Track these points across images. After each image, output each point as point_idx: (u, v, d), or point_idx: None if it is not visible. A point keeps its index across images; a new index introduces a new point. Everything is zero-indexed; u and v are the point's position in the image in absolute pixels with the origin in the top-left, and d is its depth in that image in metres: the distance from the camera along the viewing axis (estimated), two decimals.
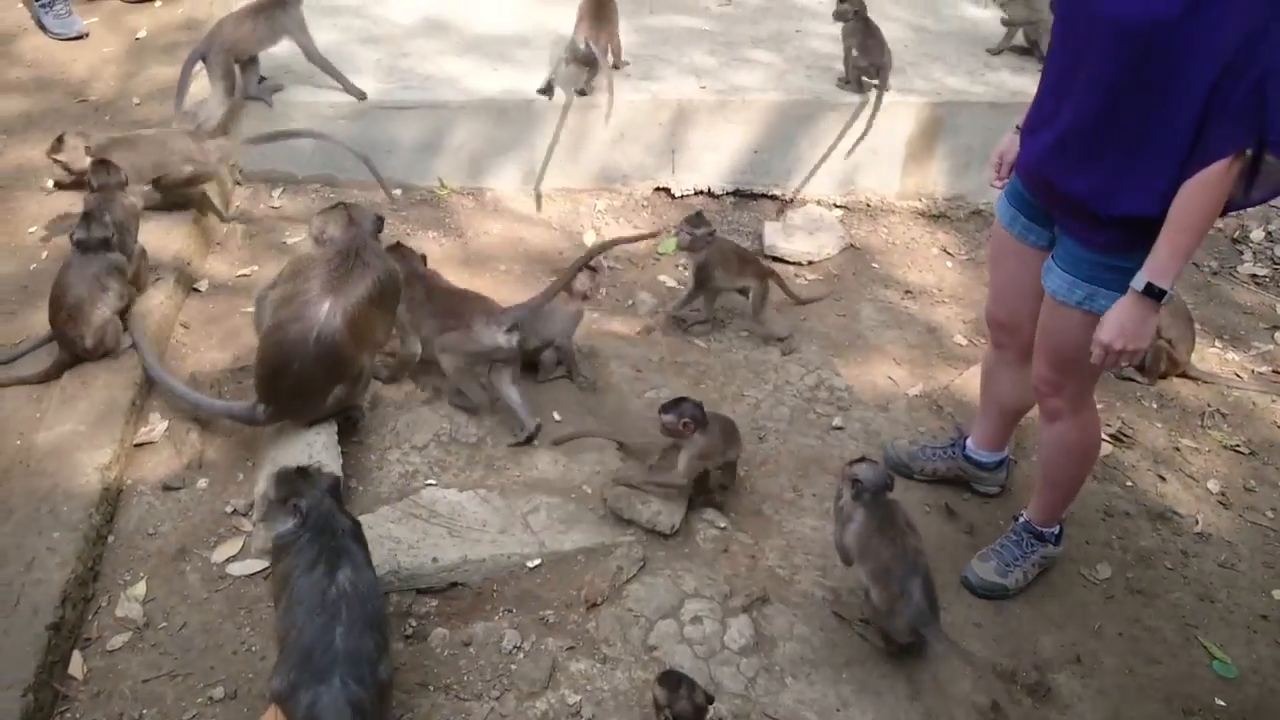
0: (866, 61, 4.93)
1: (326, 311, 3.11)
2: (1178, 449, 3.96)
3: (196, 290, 4.08)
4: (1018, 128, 2.99)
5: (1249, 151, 2.38)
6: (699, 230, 4.06)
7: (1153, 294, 2.52)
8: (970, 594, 3.24)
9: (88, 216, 3.53)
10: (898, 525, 2.94)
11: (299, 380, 3.15)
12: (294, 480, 2.66)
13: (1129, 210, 2.55)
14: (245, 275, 4.18)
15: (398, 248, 3.75)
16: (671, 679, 2.48)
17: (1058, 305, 2.81)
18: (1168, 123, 2.44)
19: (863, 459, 3.06)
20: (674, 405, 3.22)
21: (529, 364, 3.79)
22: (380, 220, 3.55)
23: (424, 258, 3.79)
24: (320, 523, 2.61)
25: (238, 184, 4.77)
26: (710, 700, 2.49)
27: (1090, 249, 2.69)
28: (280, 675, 2.45)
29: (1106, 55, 2.50)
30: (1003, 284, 3.19)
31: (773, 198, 5.17)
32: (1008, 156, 3.06)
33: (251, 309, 3.60)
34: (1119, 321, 2.58)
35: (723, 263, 4.15)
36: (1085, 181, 2.63)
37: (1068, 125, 2.65)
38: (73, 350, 3.45)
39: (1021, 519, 3.32)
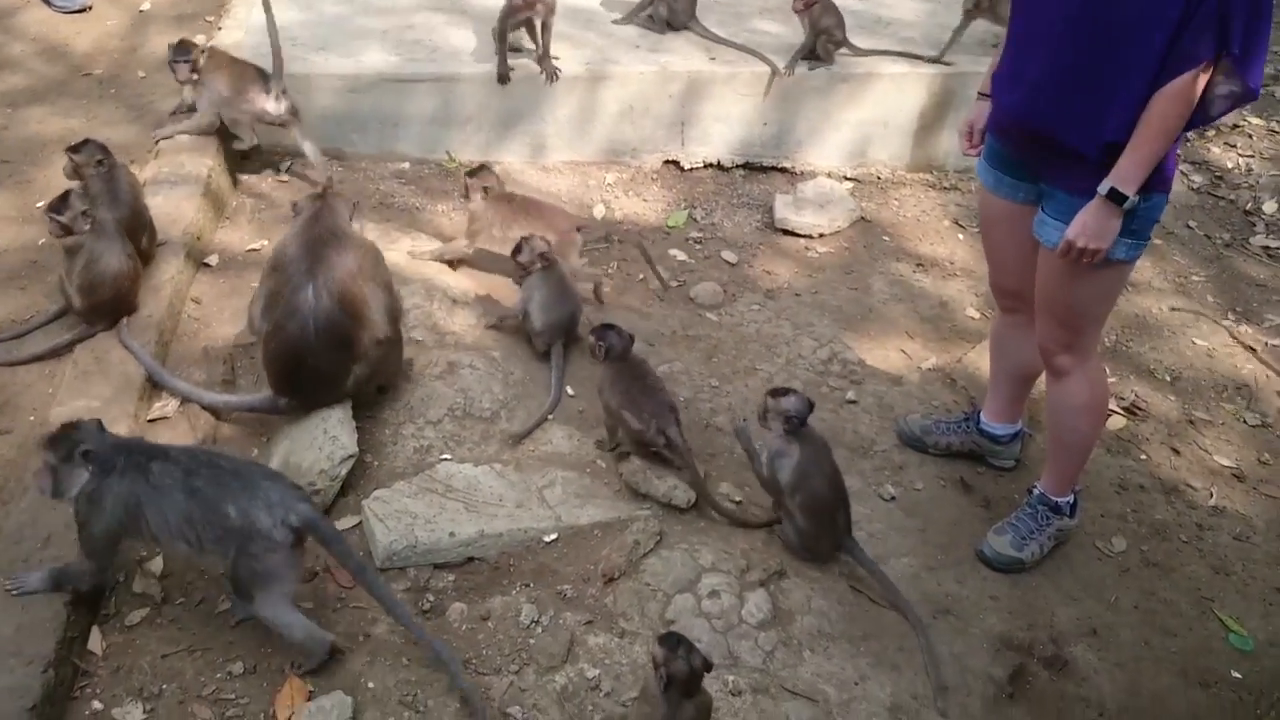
0: (841, 35, 5.00)
1: (313, 294, 3.09)
2: (1191, 422, 3.95)
3: (207, 265, 4.06)
4: (980, 94, 3.08)
5: (1211, 65, 2.50)
6: (476, 179, 4.04)
7: (1116, 199, 2.64)
8: (986, 568, 3.25)
9: (72, 195, 3.46)
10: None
11: (314, 373, 3.16)
12: (62, 439, 2.58)
13: (1113, 137, 2.62)
14: (255, 250, 4.16)
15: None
16: (671, 639, 2.45)
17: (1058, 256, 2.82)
18: (1140, 49, 2.53)
19: (788, 391, 3.19)
20: (602, 328, 3.36)
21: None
22: (328, 196, 3.47)
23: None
24: (117, 447, 2.60)
25: (244, 158, 4.73)
26: (709, 666, 2.46)
27: (1080, 195, 2.73)
28: (237, 508, 2.52)
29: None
30: (1001, 250, 3.20)
31: (782, 170, 5.14)
32: (977, 124, 3.11)
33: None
34: (1084, 221, 2.70)
35: (500, 221, 4.03)
36: (1067, 121, 2.69)
37: (1039, 72, 2.72)
38: (121, 315, 3.48)
39: (1036, 491, 3.32)
